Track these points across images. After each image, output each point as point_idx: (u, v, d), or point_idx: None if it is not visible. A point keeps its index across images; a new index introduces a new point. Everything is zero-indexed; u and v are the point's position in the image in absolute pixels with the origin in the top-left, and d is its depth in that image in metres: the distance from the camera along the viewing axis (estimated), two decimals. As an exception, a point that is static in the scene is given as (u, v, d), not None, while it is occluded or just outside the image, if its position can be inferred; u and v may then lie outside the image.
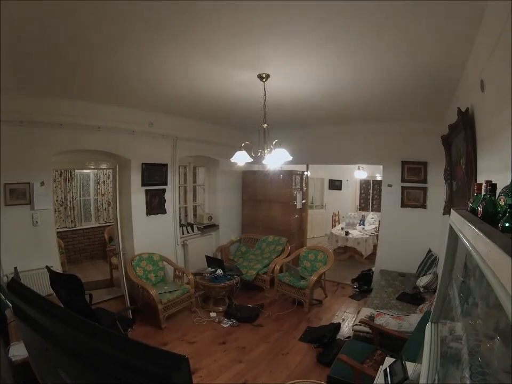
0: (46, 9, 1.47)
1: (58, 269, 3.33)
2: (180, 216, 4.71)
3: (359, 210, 7.99)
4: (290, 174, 5.12)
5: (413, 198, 4.25)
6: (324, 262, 4.33)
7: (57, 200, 5.71)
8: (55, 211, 5.35)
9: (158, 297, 3.35)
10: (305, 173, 5.68)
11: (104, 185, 6.50)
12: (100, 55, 2.06)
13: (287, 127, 4.80)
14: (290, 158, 2.48)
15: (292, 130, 4.88)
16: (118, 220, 3.39)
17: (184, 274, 3.97)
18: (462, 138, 2.20)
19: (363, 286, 4.60)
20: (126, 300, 3.40)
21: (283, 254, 4.76)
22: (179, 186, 4.64)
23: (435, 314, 1.50)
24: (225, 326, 3.49)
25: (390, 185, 4.42)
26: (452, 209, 1.19)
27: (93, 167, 4.25)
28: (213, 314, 3.71)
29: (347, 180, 7.97)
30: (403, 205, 4.32)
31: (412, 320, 2.51)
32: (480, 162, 1.87)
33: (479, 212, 0.89)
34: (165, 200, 4.26)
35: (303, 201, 5.52)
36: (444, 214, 3.27)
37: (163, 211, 4.25)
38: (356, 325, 2.83)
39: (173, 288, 3.67)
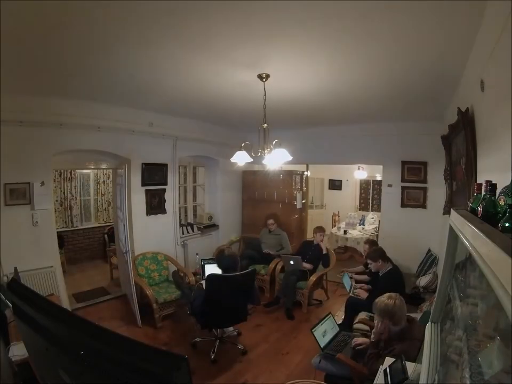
0: (46, 10, 1.47)
1: (58, 268, 3.34)
2: (179, 216, 4.71)
3: (359, 210, 7.98)
4: (290, 174, 5.12)
5: (413, 198, 4.25)
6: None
7: (57, 200, 5.71)
8: (55, 211, 5.35)
9: (153, 297, 3.37)
10: (305, 173, 5.68)
11: (104, 185, 6.50)
12: (99, 55, 2.06)
13: (287, 127, 4.80)
14: (290, 158, 2.48)
15: (292, 130, 4.87)
16: (126, 218, 3.38)
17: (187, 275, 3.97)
18: (462, 138, 2.20)
19: None
20: (134, 299, 3.38)
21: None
22: (179, 186, 4.64)
23: (435, 314, 1.50)
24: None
25: (390, 185, 4.42)
26: (451, 209, 1.19)
27: (93, 167, 4.26)
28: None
29: (347, 180, 7.96)
30: (403, 205, 4.32)
31: (411, 320, 2.50)
32: (480, 162, 1.87)
33: (479, 211, 0.89)
34: (165, 200, 4.26)
35: (303, 201, 5.51)
36: (444, 214, 3.27)
37: (163, 211, 4.25)
38: (356, 323, 2.83)
39: (173, 289, 3.67)
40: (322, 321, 2.48)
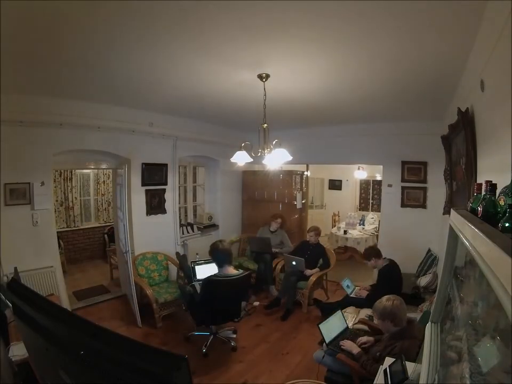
0: (46, 10, 1.47)
1: (58, 268, 3.34)
2: (179, 216, 4.70)
3: (359, 210, 7.98)
4: (290, 174, 5.12)
5: (413, 198, 4.25)
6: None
7: (57, 200, 5.71)
8: (55, 211, 5.36)
9: (153, 297, 3.37)
10: (305, 173, 5.68)
11: (104, 185, 6.50)
12: (100, 55, 2.06)
13: (287, 127, 4.80)
14: (290, 158, 2.48)
15: (292, 130, 4.87)
16: (126, 218, 3.39)
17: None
18: (462, 138, 2.19)
19: None
20: (134, 299, 3.38)
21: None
22: (179, 186, 4.64)
23: (435, 314, 1.50)
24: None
25: (390, 185, 4.41)
26: (451, 209, 1.19)
27: (93, 167, 4.25)
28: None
29: (347, 180, 7.95)
30: (403, 205, 4.31)
31: (411, 320, 2.50)
32: (480, 162, 1.87)
33: (479, 211, 0.89)
34: (165, 200, 4.26)
35: (303, 201, 5.51)
36: (444, 214, 3.26)
37: (163, 211, 4.25)
38: (356, 324, 2.83)
39: (173, 289, 3.68)
40: (331, 317, 2.48)
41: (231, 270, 2.91)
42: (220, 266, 2.90)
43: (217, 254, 2.90)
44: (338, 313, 2.55)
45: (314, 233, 4.24)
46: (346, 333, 2.46)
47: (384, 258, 3.39)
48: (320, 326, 2.35)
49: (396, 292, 2.86)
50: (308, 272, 3.98)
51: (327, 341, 2.33)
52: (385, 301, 2.03)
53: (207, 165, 5.32)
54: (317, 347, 2.68)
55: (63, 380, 0.63)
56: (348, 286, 3.53)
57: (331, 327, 2.44)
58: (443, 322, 1.41)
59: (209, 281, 2.73)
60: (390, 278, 3.19)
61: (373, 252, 3.42)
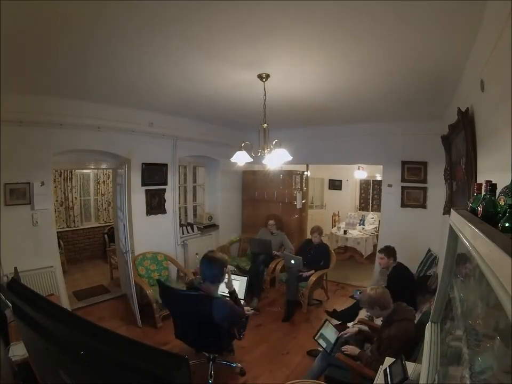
0: (45, 10, 1.47)
1: (58, 268, 3.34)
2: (179, 216, 4.70)
3: (359, 210, 7.98)
4: (290, 174, 5.12)
5: (413, 198, 4.25)
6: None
7: (57, 200, 5.71)
8: (55, 211, 5.36)
9: (153, 297, 3.35)
10: (305, 173, 5.68)
11: (104, 185, 6.50)
12: (100, 55, 2.06)
13: (287, 127, 4.80)
14: (290, 158, 2.48)
15: (292, 130, 4.87)
16: (126, 218, 3.38)
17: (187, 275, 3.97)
18: (462, 138, 2.20)
19: None
20: (134, 299, 3.38)
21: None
22: (179, 186, 4.64)
23: (435, 314, 1.50)
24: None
25: (390, 185, 4.41)
26: (451, 209, 1.19)
27: (93, 167, 4.25)
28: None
29: (347, 180, 7.96)
30: (403, 205, 4.32)
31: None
32: (480, 162, 1.87)
33: (479, 211, 0.89)
34: (165, 200, 4.26)
35: (303, 201, 5.51)
36: (444, 214, 3.26)
37: (163, 211, 4.25)
38: (355, 324, 2.83)
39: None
40: (321, 329, 2.49)
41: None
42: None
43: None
44: (328, 324, 2.56)
45: (318, 233, 4.25)
46: (340, 339, 2.48)
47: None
48: (317, 339, 2.41)
49: (410, 297, 2.96)
50: (305, 274, 3.97)
51: (328, 351, 2.36)
52: (369, 291, 2.21)
53: (207, 165, 5.32)
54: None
55: (63, 379, 0.63)
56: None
57: (326, 337, 2.46)
58: (443, 322, 1.41)
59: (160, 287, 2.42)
60: (402, 280, 3.17)
61: (393, 253, 3.44)
